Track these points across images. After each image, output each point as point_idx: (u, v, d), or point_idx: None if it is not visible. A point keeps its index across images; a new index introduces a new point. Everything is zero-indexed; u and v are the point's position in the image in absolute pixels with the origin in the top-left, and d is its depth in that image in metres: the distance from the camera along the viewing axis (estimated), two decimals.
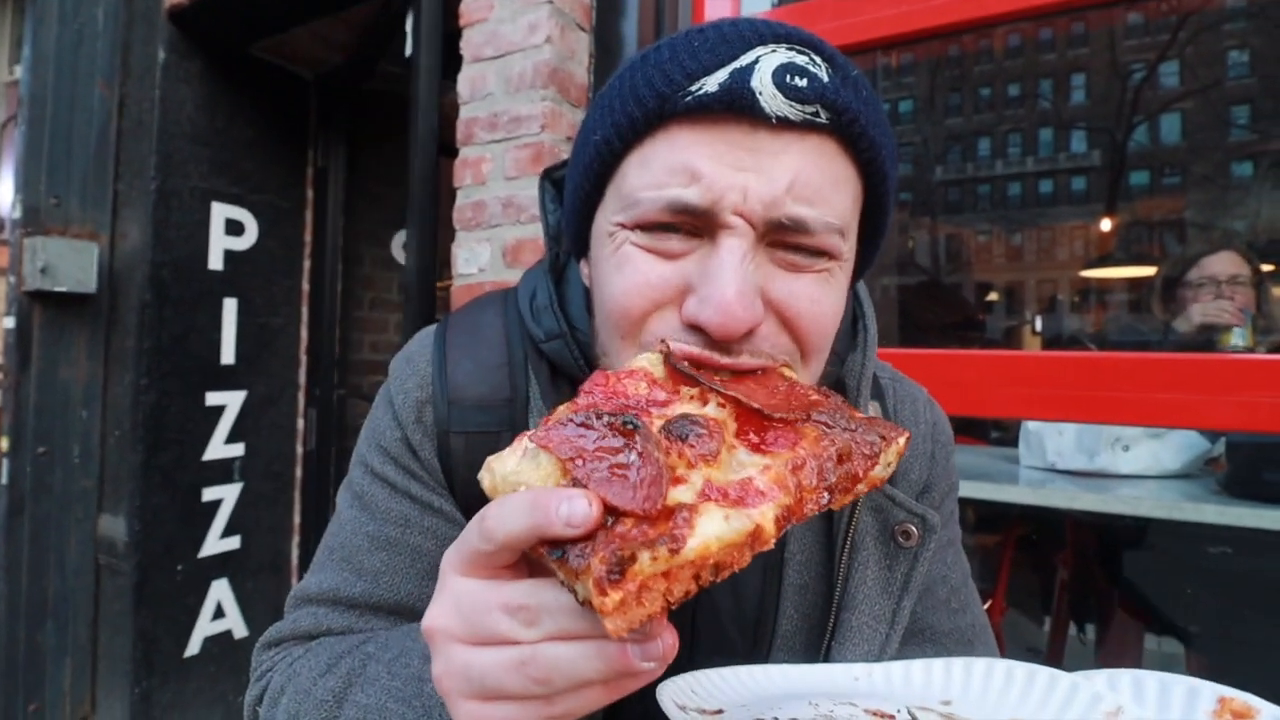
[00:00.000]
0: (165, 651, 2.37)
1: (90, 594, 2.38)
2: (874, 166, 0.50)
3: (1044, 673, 0.47)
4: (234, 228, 2.50)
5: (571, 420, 0.37)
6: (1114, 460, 1.72)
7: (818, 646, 0.60)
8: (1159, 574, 1.83)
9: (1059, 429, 1.79)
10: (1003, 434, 2.68)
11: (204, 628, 2.48)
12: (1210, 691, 0.43)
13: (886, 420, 0.40)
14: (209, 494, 2.47)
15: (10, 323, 2.40)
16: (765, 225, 0.46)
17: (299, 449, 2.73)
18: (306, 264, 2.73)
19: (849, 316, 0.64)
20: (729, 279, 0.45)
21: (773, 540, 0.34)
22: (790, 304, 0.48)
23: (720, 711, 0.45)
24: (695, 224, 0.47)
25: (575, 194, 0.55)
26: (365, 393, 2.89)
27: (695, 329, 0.46)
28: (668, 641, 0.34)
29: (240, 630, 2.58)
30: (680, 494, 0.35)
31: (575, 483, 0.35)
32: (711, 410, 0.41)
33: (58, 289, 2.25)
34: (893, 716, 0.45)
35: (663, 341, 0.43)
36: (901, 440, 0.41)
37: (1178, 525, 1.53)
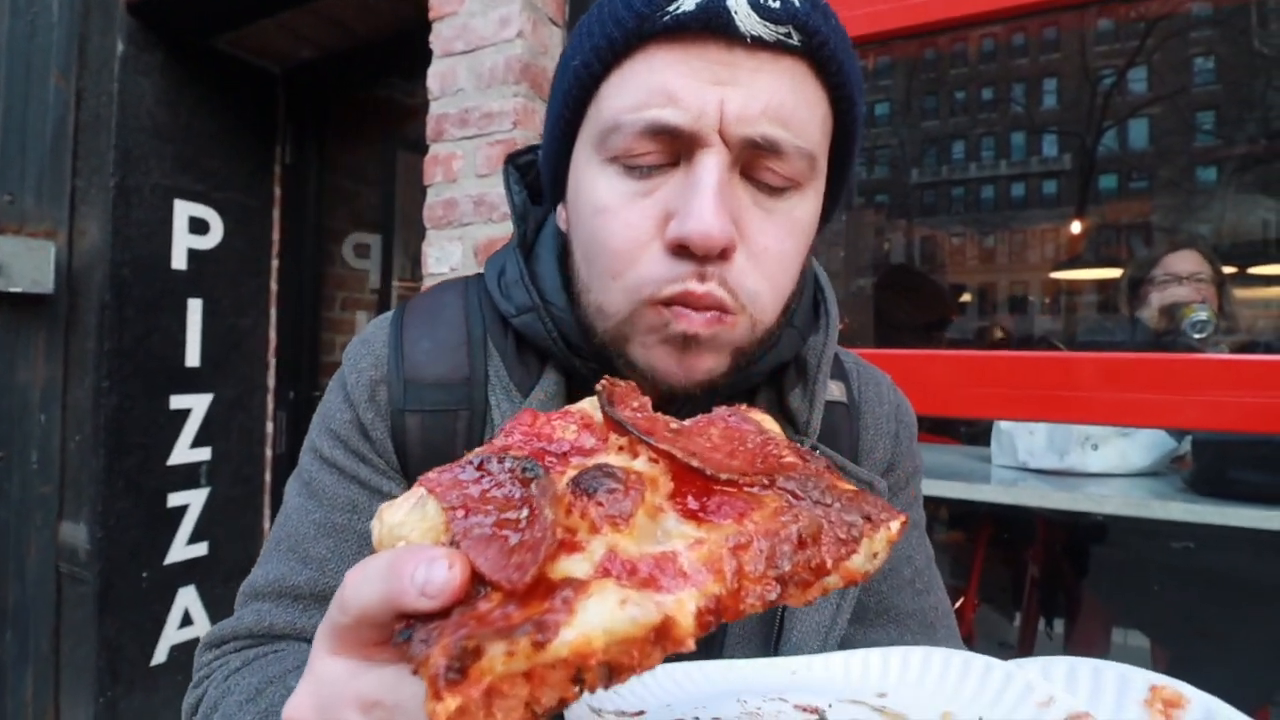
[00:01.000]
0: (131, 660, 2.31)
1: (51, 603, 2.31)
2: (842, 92, 0.52)
3: (979, 661, 0.45)
4: (198, 226, 2.44)
5: (470, 463, 0.31)
6: (1083, 459, 1.73)
7: (772, 622, 0.59)
8: (1126, 570, 1.85)
9: (1030, 428, 1.80)
10: (971, 429, 2.70)
11: (171, 635, 2.42)
12: (1141, 679, 0.42)
13: (879, 498, 0.33)
14: (175, 499, 2.41)
15: None
16: (740, 144, 0.47)
17: (268, 453, 2.67)
18: (275, 263, 2.67)
19: (810, 299, 0.65)
20: (708, 194, 0.46)
21: (691, 640, 0.26)
22: (758, 240, 0.49)
23: (641, 713, 0.42)
24: (673, 147, 0.48)
25: (555, 126, 0.55)
26: None
27: (679, 251, 0.47)
28: None
29: None
30: (572, 565, 0.27)
31: (453, 541, 0.28)
32: (641, 465, 0.33)
33: (13, 289, 2.17)
34: (820, 711, 0.43)
35: (605, 379, 0.37)
36: (895, 525, 0.32)
37: (1145, 522, 1.55)
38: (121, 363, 2.24)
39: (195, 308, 2.43)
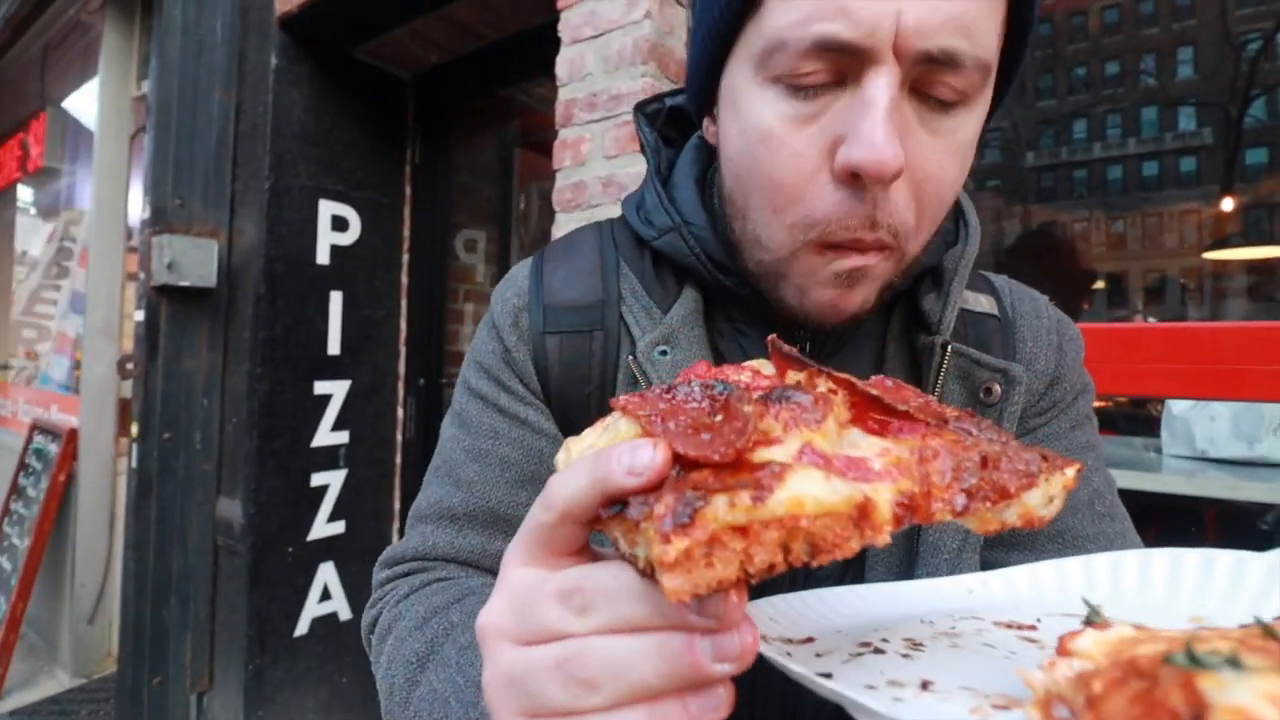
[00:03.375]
0: (277, 630, 2.48)
1: (209, 573, 2.52)
2: None
3: (1227, 557, 0.37)
4: (339, 224, 2.60)
5: (656, 388, 0.32)
6: (1277, 447, 1.55)
7: (908, 530, 0.57)
8: None
9: (1211, 413, 1.63)
10: (1131, 421, 2.47)
11: (312, 609, 2.58)
12: None
13: (1050, 451, 0.33)
14: (317, 479, 2.57)
15: (140, 316, 2.58)
16: (915, 59, 0.43)
17: (399, 437, 2.81)
18: (405, 258, 2.82)
19: (953, 212, 0.62)
20: (880, 120, 0.43)
21: (887, 530, 0.27)
22: (921, 166, 0.46)
23: (811, 640, 0.38)
24: (841, 64, 0.44)
25: (708, 39, 0.52)
26: None
27: (849, 179, 0.45)
28: (746, 639, 0.27)
29: (345, 613, 2.68)
30: (771, 453, 0.28)
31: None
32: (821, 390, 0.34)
33: (182, 283, 2.40)
34: (1032, 626, 0.37)
35: (773, 336, 0.38)
36: (1071, 471, 0.32)
37: None
38: (273, 351, 2.42)
39: (336, 300, 2.59)
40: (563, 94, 1.72)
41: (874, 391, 0.32)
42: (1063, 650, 0.27)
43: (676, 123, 0.69)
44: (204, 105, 2.54)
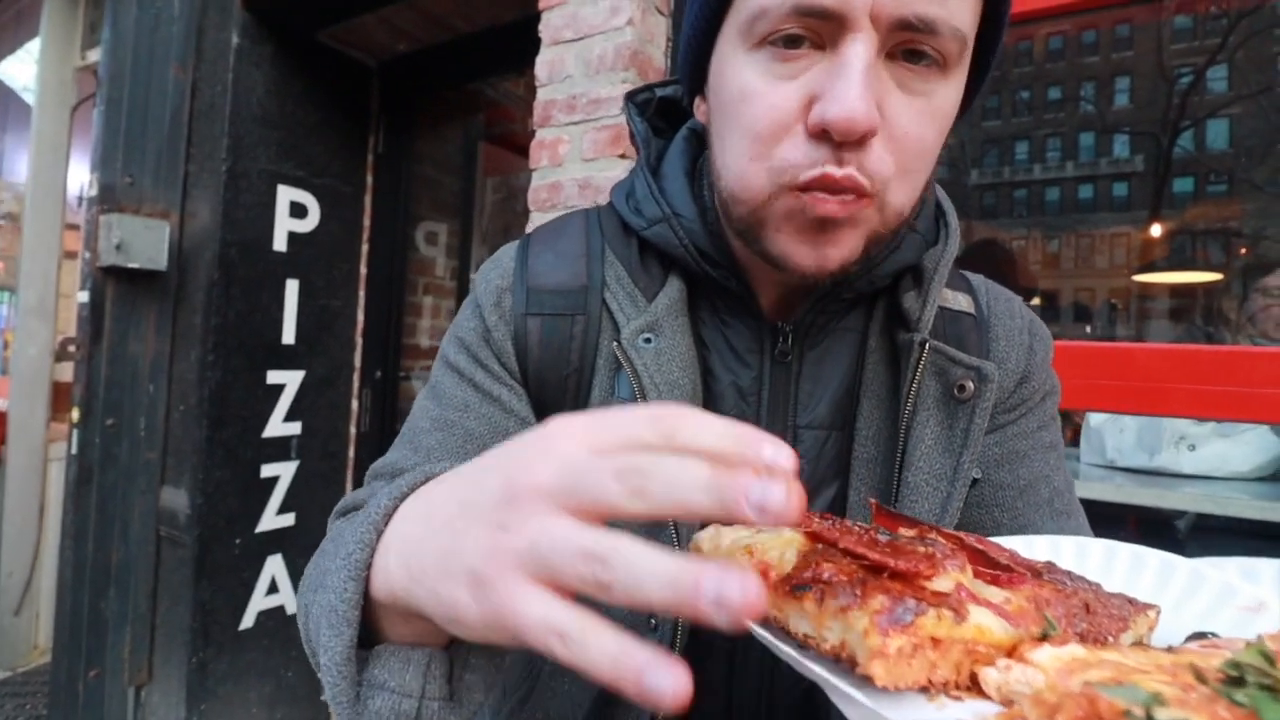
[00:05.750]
0: (221, 623, 2.42)
1: (151, 564, 2.44)
2: None
3: (1155, 556, 0.41)
4: (298, 210, 2.55)
5: (818, 513, 0.36)
6: (1176, 459, 1.68)
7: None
8: None
9: (1121, 426, 1.76)
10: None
11: (258, 602, 2.53)
12: None
13: (1130, 598, 0.36)
14: (267, 470, 2.52)
15: (84, 297, 2.48)
16: (891, 25, 0.45)
17: (353, 430, 2.77)
18: (365, 248, 2.77)
19: (932, 211, 0.66)
20: (854, 80, 0.45)
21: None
22: (898, 123, 0.48)
23: None
24: (820, 29, 0.47)
25: (697, 18, 0.55)
26: (418, 377, 2.93)
27: (820, 136, 0.47)
28: (750, 593, 0.24)
29: (292, 606, 2.63)
30: (936, 584, 0.31)
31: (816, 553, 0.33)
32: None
33: (131, 265, 2.31)
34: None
35: (872, 499, 0.42)
36: (1152, 614, 0.35)
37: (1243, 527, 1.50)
38: (226, 338, 2.35)
39: (292, 288, 2.54)
40: (541, 94, 1.73)
41: (980, 546, 0.36)
42: (1018, 656, 0.30)
43: (666, 114, 0.71)
44: (158, 81, 2.45)
